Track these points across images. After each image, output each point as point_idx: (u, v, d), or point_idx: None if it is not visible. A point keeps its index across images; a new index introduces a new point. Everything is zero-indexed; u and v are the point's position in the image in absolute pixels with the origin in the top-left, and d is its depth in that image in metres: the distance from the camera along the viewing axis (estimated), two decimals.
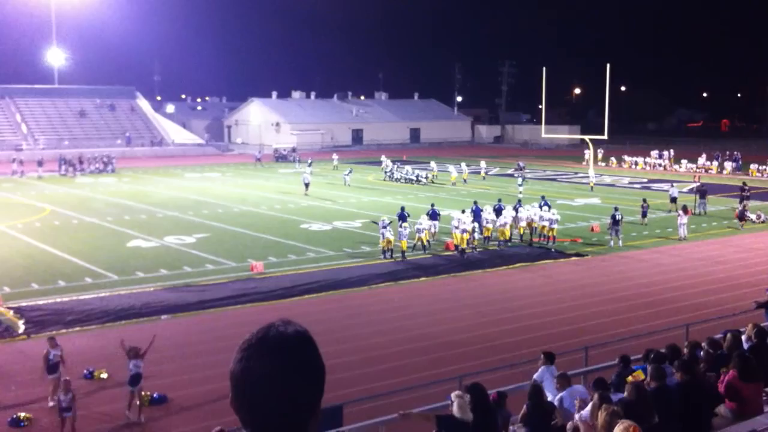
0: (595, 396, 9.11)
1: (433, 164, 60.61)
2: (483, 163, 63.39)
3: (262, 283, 25.78)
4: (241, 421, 2.13)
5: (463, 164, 60.49)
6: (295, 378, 2.08)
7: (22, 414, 14.71)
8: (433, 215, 32.84)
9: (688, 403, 9.44)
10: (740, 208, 38.57)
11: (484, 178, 59.61)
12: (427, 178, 56.76)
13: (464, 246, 30.26)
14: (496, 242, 32.53)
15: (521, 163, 65.69)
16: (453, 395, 10.52)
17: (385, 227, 29.51)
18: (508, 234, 32.67)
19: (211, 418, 14.62)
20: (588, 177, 54.53)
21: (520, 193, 45.93)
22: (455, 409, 10.21)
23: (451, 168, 57.34)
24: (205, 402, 15.84)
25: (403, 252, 29.52)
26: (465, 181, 56.19)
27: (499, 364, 16.89)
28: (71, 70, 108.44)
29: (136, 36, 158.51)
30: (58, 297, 23.69)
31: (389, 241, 29.41)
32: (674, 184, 46.30)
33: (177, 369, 17.68)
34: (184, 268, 28.08)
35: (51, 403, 15.69)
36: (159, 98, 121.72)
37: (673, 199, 41.95)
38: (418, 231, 30.83)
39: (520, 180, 50.11)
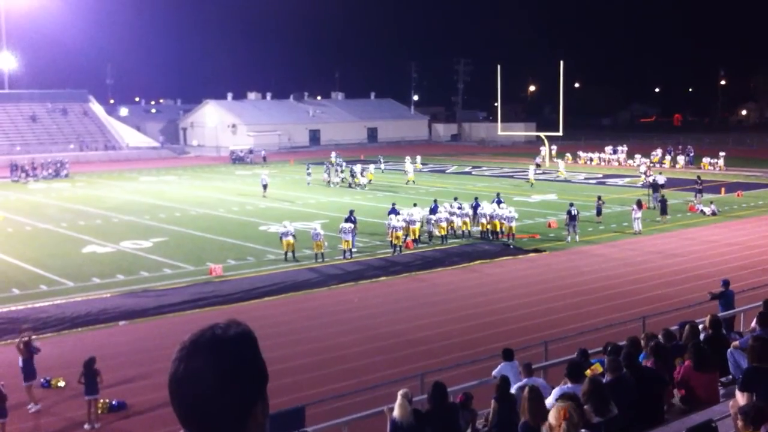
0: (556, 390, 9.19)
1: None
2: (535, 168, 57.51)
3: (221, 286, 25.57)
4: (180, 423, 2.11)
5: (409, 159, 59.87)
6: (229, 379, 2.05)
7: None
8: (394, 213, 33.01)
9: (639, 393, 9.56)
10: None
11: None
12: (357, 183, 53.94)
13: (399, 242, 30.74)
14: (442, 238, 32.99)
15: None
16: (399, 394, 10.56)
17: (285, 233, 29.45)
18: (444, 231, 33.25)
19: (172, 423, 14.44)
20: (554, 174, 54.03)
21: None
22: (395, 410, 10.27)
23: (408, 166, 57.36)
24: (165, 407, 15.66)
25: (348, 251, 29.83)
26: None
27: (460, 361, 16.97)
28: (22, 74, 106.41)
29: (87, 39, 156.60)
30: (12, 305, 23.26)
31: (289, 243, 29.37)
32: (661, 173, 46.79)
33: (136, 375, 17.48)
34: (141, 273, 27.76)
35: (32, 409, 15.58)
36: (112, 101, 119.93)
37: (657, 187, 42.37)
38: (394, 228, 30.92)
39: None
